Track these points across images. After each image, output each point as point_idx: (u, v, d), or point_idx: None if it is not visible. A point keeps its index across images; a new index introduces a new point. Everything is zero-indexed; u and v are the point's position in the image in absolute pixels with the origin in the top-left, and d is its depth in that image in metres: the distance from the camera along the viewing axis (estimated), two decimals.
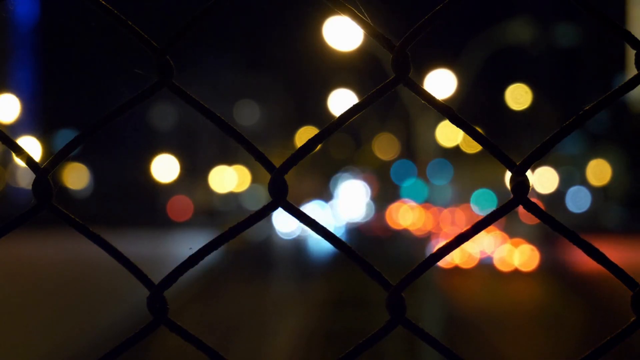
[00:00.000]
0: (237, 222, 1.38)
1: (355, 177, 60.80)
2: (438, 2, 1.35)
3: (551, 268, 35.97)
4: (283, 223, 44.62)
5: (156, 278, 1.42)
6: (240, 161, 56.08)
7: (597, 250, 1.37)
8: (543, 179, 52.59)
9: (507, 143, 50.55)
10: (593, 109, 1.36)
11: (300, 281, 30.12)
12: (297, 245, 44.17)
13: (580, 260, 31.97)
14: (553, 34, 57.34)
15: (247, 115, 62.07)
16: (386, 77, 1.37)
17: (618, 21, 1.36)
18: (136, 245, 34.05)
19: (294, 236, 44.60)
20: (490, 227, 1.57)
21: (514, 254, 37.69)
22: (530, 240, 39.77)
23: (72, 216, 1.39)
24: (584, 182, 57.73)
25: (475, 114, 48.95)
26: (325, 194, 59.91)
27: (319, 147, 1.38)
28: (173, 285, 1.41)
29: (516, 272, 35.50)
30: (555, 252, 38.09)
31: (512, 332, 20.09)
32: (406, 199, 50.54)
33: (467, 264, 34.88)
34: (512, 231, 40.53)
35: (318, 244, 42.28)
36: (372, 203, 59.94)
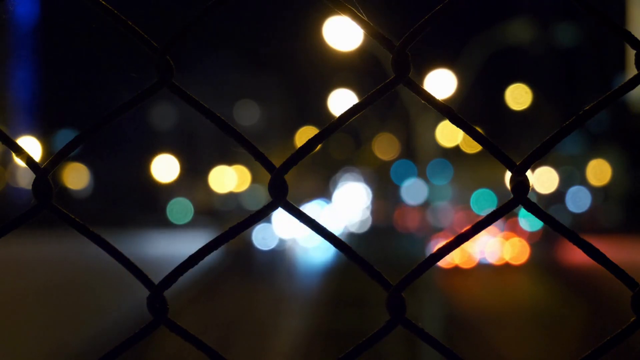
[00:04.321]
0: (237, 222, 1.38)
1: (355, 177, 60.81)
2: (438, 2, 1.35)
3: (541, 261, 36.05)
4: (265, 233, 42.66)
5: (156, 278, 1.42)
6: (240, 161, 56.05)
7: (597, 250, 1.37)
8: (543, 179, 52.59)
9: (507, 143, 50.53)
10: (593, 109, 1.36)
11: (300, 281, 30.12)
12: (297, 247, 44.09)
13: (573, 255, 32.00)
14: (553, 34, 57.31)
15: (247, 115, 62.06)
16: (386, 77, 1.37)
17: (618, 21, 1.36)
18: (136, 245, 34.06)
19: (272, 247, 42.88)
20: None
21: (505, 248, 37.81)
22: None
23: (72, 216, 1.39)
24: (584, 182, 57.70)
25: (475, 114, 48.95)
26: (326, 194, 59.89)
27: (319, 147, 1.38)
28: (173, 285, 1.41)
29: (509, 267, 35.56)
30: (548, 247, 38.19)
31: (512, 331, 20.09)
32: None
33: (467, 264, 34.90)
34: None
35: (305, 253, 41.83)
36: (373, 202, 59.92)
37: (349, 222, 56.54)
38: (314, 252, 40.72)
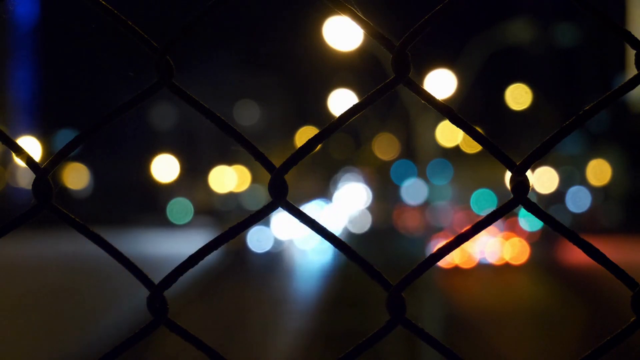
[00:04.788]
0: (237, 222, 1.38)
1: (355, 177, 60.81)
2: (438, 2, 1.35)
3: (541, 261, 36.04)
4: (260, 235, 41.83)
5: (156, 278, 1.42)
6: (240, 161, 56.04)
7: (597, 251, 1.37)
8: (543, 179, 52.59)
9: (507, 143, 50.51)
10: (593, 109, 1.36)
11: (299, 282, 30.13)
12: (295, 248, 44.02)
13: (573, 255, 32.00)
14: (553, 34, 57.31)
15: (247, 115, 62.05)
16: (386, 77, 1.37)
17: (618, 21, 1.36)
18: (136, 245, 34.06)
19: (267, 249, 42.18)
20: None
21: (505, 248, 37.80)
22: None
23: (72, 216, 1.39)
24: (584, 182, 57.70)
25: (475, 114, 48.94)
26: (326, 194, 59.86)
27: (319, 147, 1.38)
28: (173, 285, 1.41)
29: (509, 267, 35.56)
30: (547, 247, 38.20)
31: (512, 331, 20.09)
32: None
33: (467, 264, 34.89)
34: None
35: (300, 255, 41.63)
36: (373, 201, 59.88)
37: (348, 222, 56.51)
38: (313, 253, 40.68)
